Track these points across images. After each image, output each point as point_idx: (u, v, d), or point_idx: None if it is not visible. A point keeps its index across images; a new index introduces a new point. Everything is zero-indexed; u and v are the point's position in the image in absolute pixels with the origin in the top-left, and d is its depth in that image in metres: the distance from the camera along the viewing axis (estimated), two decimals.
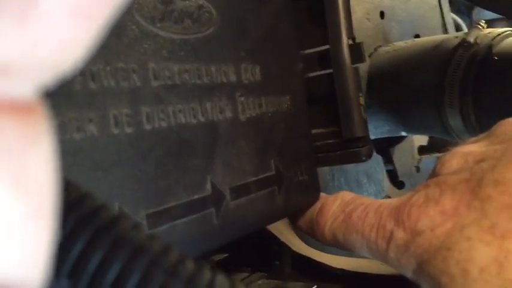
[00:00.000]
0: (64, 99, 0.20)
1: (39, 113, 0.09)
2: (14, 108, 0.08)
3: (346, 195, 0.31)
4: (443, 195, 0.25)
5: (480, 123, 0.43)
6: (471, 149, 0.27)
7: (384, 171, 0.55)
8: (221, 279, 0.13)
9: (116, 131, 0.21)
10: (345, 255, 0.39)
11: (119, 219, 0.13)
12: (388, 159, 0.55)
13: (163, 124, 0.24)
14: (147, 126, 0.23)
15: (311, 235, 0.33)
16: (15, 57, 0.08)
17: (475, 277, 0.22)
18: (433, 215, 0.25)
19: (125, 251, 0.12)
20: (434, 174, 0.28)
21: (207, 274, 0.13)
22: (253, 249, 0.37)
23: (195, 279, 0.13)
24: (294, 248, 0.39)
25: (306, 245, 0.40)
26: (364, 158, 0.33)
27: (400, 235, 0.26)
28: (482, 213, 0.23)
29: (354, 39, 0.33)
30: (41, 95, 0.09)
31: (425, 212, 0.25)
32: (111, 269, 0.12)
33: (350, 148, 0.33)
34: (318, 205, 0.32)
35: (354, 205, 0.29)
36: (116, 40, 0.22)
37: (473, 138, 0.29)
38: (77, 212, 0.12)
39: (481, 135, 0.29)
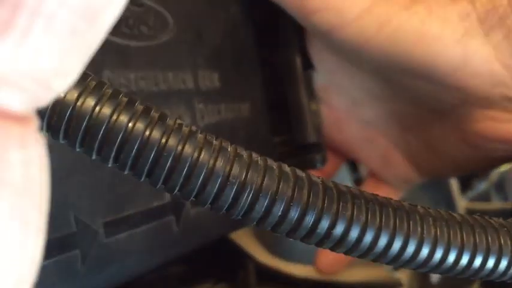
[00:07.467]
0: None
1: (30, 124, 0.09)
2: (3, 116, 0.09)
3: None
4: None
5: None
6: None
7: (351, 179, 0.55)
8: None
9: None
10: (310, 265, 0.39)
11: None
12: (354, 168, 0.56)
13: None
14: None
15: None
16: (4, 70, 0.08)
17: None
18: None
19: None
20: None
21: None
22: (217, 260, 0.37)
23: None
24: (258, 258, 0.39)
25: (271, 255, 0.40)
26: (318, 165, 0.33)
27: None
28: None
29: (304, 46, 0.33)
30: (33, 109, 0.09)
31: None
32: None
33: (304, 155, 0.33)
34: None
35: None
36: None
37: None
38: None
39: None
